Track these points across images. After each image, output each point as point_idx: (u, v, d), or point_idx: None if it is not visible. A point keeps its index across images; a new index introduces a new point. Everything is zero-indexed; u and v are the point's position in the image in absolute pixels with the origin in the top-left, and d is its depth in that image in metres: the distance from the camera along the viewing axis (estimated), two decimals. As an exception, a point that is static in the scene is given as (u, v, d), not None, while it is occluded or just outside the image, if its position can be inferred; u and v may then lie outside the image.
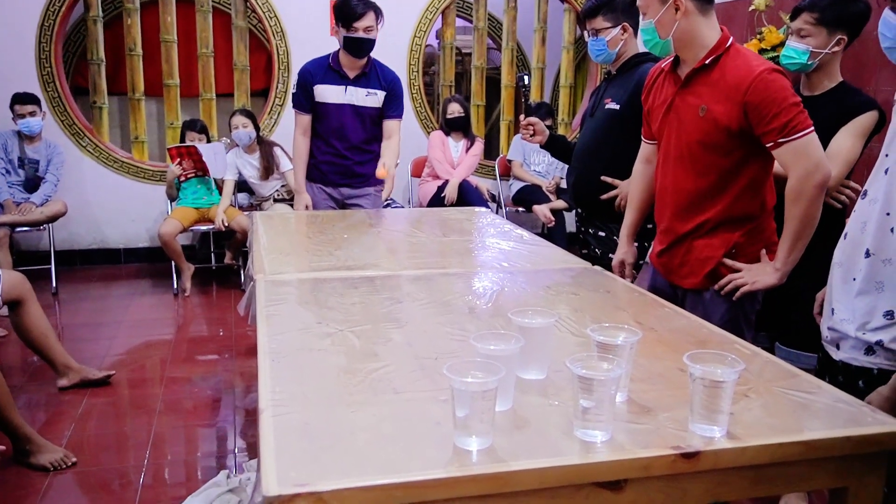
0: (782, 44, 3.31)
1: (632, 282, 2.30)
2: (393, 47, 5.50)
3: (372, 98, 3.42)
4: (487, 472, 1.05)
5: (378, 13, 3.29)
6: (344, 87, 3.40)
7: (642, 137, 2.33)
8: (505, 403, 1.23)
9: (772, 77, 1.86)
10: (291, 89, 5.35)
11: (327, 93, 3.40)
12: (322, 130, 3.47)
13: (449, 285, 2.04)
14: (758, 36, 3.28)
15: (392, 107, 3.49)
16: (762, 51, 3.16)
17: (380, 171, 3.31)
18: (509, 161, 5.70)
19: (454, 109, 5.29)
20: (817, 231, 1.99)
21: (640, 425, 1.20)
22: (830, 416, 1.26)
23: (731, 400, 1.16)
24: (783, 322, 2.46)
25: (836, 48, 2.23)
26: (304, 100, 3.44)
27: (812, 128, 1.87)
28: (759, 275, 1.97)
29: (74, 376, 3.20)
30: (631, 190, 2.41)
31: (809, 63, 2.25)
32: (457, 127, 5.31)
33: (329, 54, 3.44)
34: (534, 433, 1.18)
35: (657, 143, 2.17)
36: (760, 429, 1.20)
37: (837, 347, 1.61)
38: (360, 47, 3.30)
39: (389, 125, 3.51)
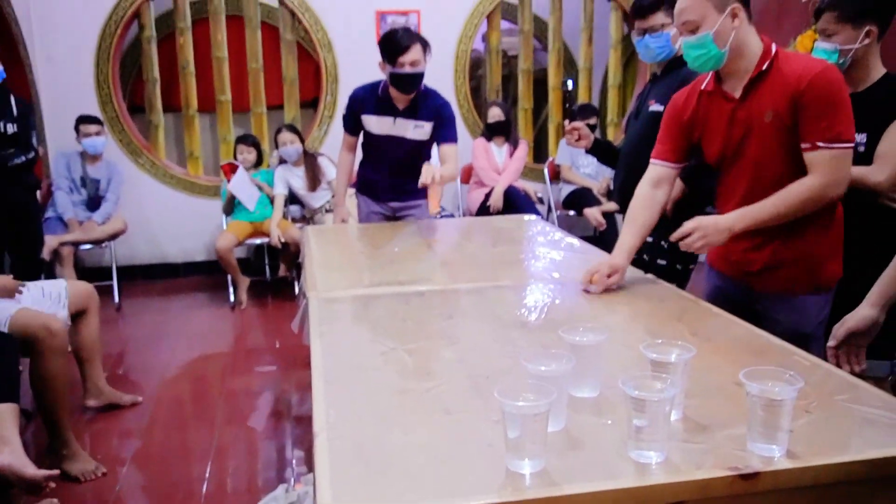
0: None
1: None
2: (438, 55, 5.44)
3: (419, 131, 3.29)
4: (541, 497, 1.05)
5: (425, 46, 3.11)
6: (392, 118, 3.27)
7: (653, 159, 2.19)
8: (557, 423, 1.23)
9: (834, 76, 1.82)
10: (339, 100, 5.45)
11: (375, 124, 3.31)
12: (369, 152, 3.45)
13: (500, 298, 2.04)
14: (812, 27, 3.18)
15: (444, 132, 3.28)
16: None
17: (425, 178, 2.91)
18: (557, 165, 5.66)
19: (494, 114, 5.26)
20: (877, 236, 1.91)
21: (697, 444, 1.18)
22: (897, 431, 1.22)
23: (791, 417, 1.13)
24: None
25: (867, 40, 2.13)
26: (351, 123, 3.39)
27: (853, 143, 1.83)
28: (713, 235, 1.90)
29: (104, 399, 3.24)
30: (633, 211, 2.19)
31: (841, 61, 2.15)
32: (498, 131, 5.28)
33: (381, 81, 3.29)
34: (588, 454, 1.17)
35: (721, 161, 2.05)
36: (822, 447, 1.16)
37: None
38: (407, 83, 3.13)
39: (444, 150, 3.26)
